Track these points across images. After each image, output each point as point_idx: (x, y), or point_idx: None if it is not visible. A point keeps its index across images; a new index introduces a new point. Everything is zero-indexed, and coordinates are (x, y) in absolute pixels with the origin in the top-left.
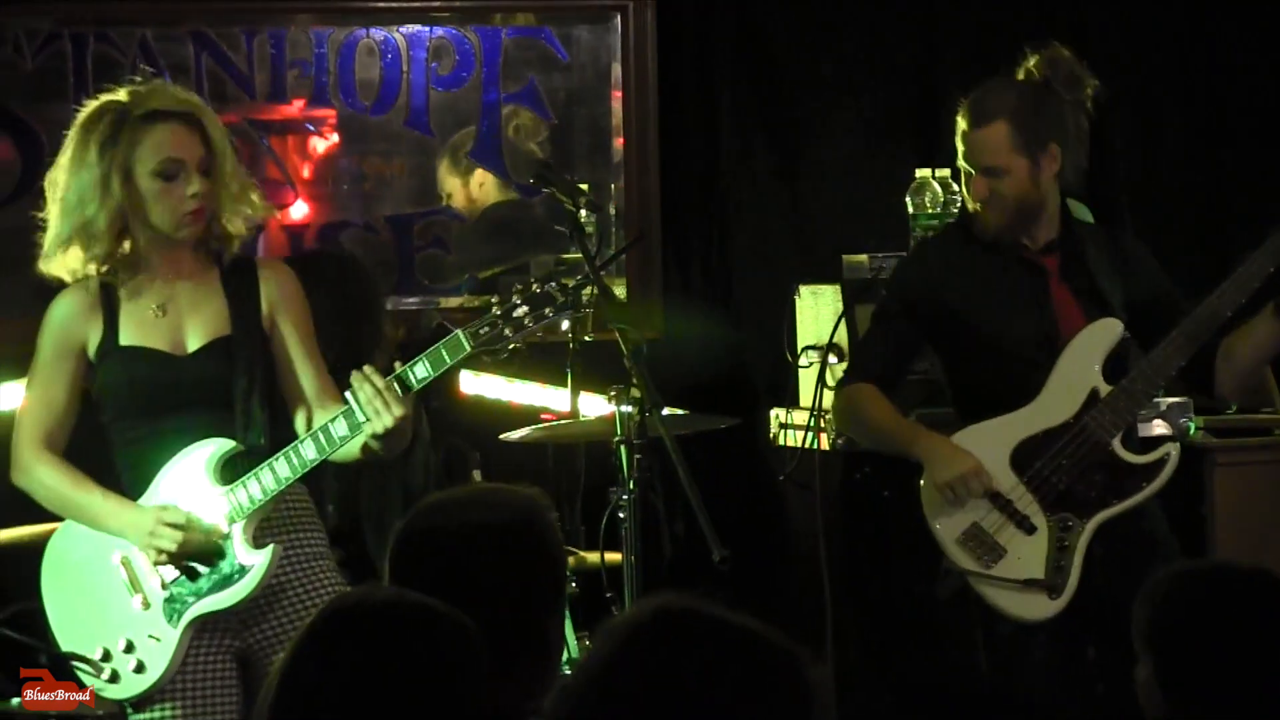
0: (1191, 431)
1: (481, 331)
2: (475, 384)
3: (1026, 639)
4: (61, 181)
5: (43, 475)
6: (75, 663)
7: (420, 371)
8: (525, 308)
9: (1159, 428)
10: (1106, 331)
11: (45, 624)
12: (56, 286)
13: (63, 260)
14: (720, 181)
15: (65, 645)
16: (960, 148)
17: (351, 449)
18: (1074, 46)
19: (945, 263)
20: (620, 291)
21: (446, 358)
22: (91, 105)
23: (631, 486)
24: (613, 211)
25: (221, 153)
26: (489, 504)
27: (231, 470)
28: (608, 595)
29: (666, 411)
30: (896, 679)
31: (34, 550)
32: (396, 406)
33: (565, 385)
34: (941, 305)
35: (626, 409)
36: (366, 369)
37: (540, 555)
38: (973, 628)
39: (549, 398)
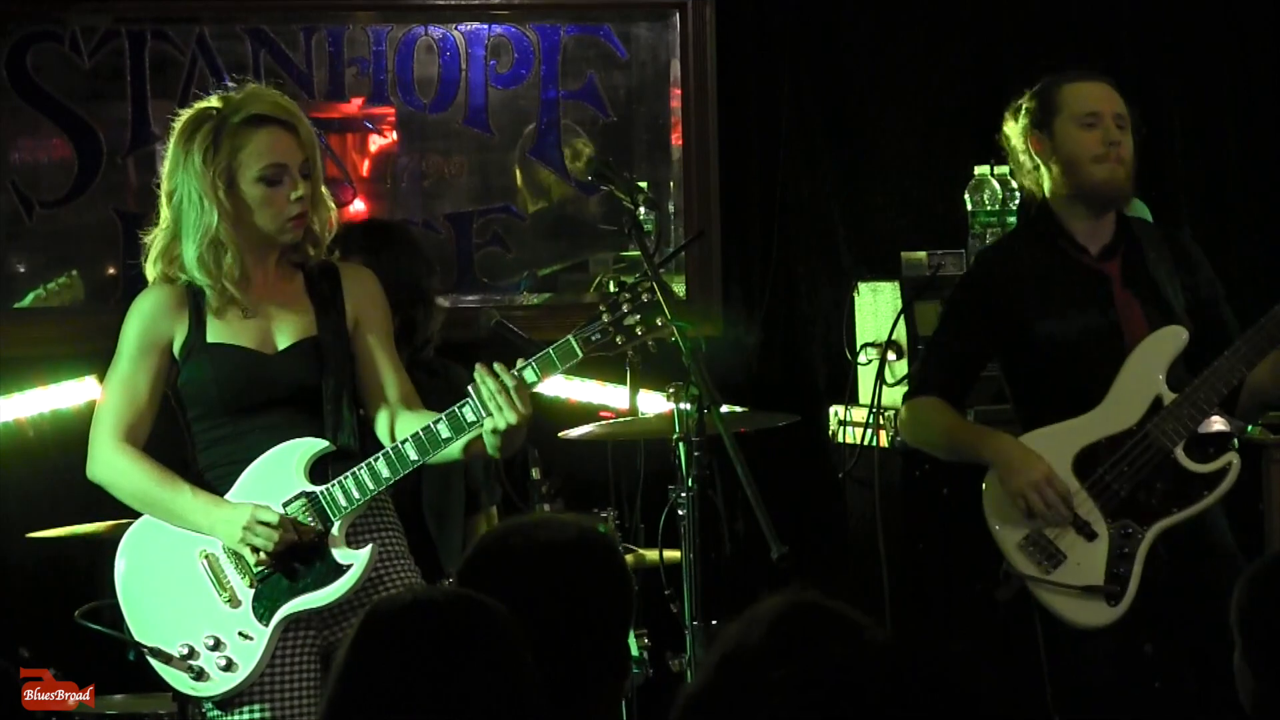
0: (1249, 428)
1: (593, 338)
2: (546, 379)
3: (1085, 641)
4: (171, 193)
5: (125, 469)
6: (159, 660)
7: (529, 376)
8: (637, 316)
9: (1218, 424)
10: (1171, 339)
11: (121, 620)
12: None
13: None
14: (779, 179)
15: (143, 640)
16: (1074, 99)
17: (453, 450)
18: (1134, 47)
19: (1007, 271)
20: (679, 289)
21: (557, 363)
22: (187, 113)
23: (690, 484)
24: (672, 209)
25: (316, 160)
26: (556, 525)
27: (321, 470)
28: (666, 592)
29: (725, 409)
30: None
31: (101, 545)
32: (522, 405)
33: (624, 383)
34: (1005, 314)
35: (685, 406)
36: (496, 365)
37: (608, 570)
38: (1032, 627)
39: (608, 395)
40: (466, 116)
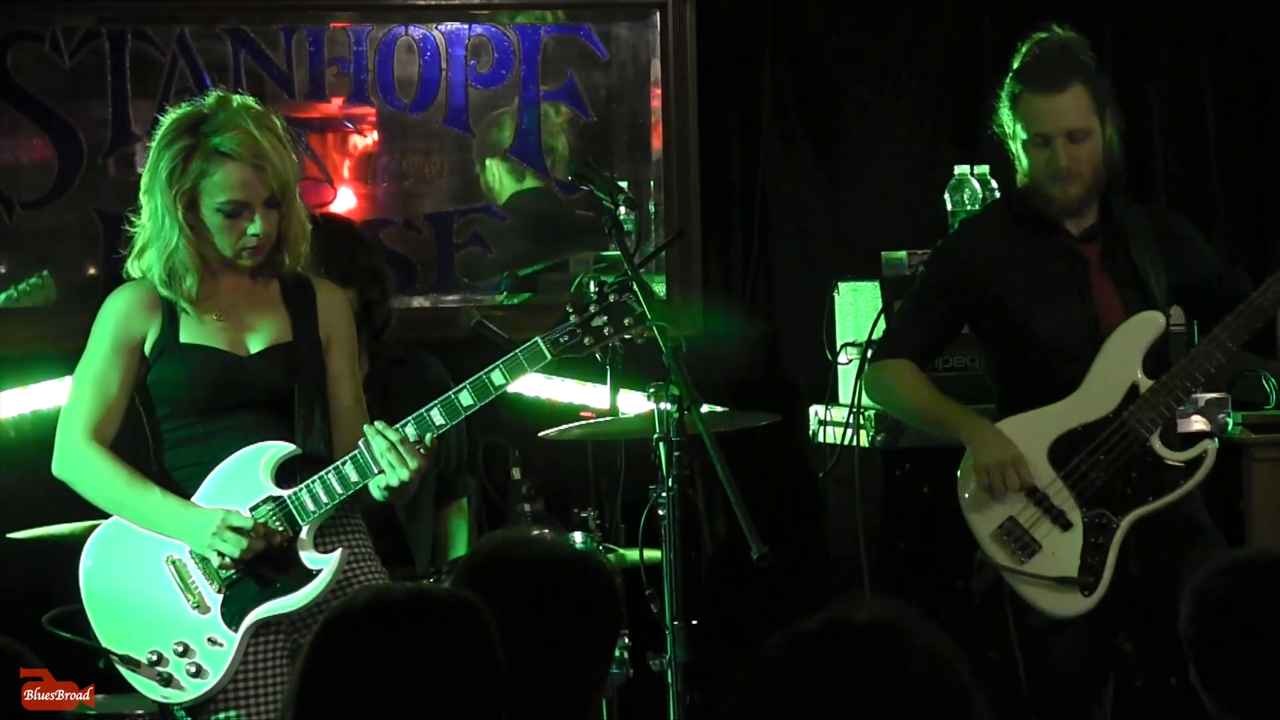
0: (1230, 427)
1: (561, 340)
2: (515, 381)
3: (1056, 631)
4: (145, 195)
5: (94, 468)
6: (127, 666)
7: (497, 378)
8: (604, 317)
9: (1197, 423)
10: (1147, 325)
11: (88, 625)
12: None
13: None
14: (760, 178)
15: (110, 647)
16: (1028, 117)
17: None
18: (1117, 43)
19: (985, 245)
20: (660, 289)
21: (525, 365)
22: (173, 116)
23: (671, 484)
24: (652, 209)
25: (287, 192)
26: (554, 543)
27: (288, 474)
28: (647, 593)
29: (706, 409)
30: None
31: (81, 546)
32: (413, 460)
33: (604, 383)
34: (980, 289)
35: (666, 406)
36: (379, 424)
37: (598, 594)
38: (1005, 621)
39: (588, 395)
40: (447, 116)
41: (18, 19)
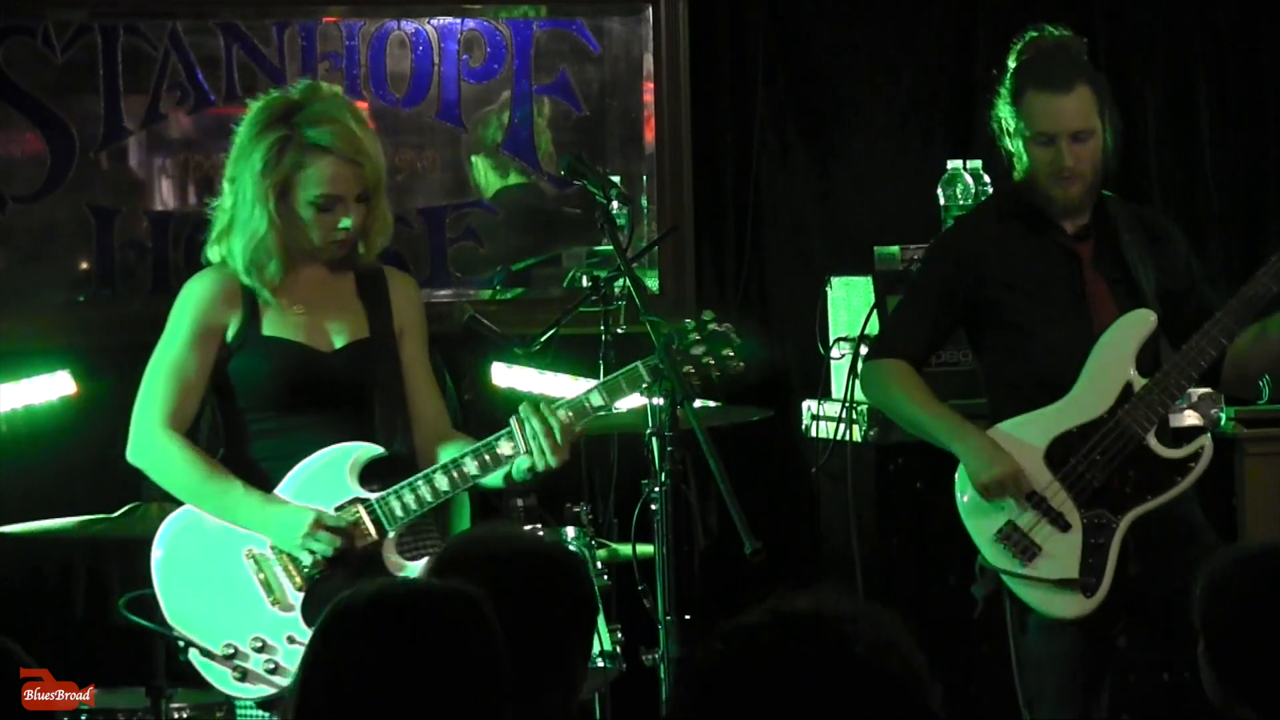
0: (1222, 422)
1: (659, 365)
2: (508, 376)
3: (1057, 632)
4: (233, 179)
5: (173, 457)
6: (204, 656)
7: (596, 400)
8: (704, 347)
9: (1190, 418)
10: (1140, 324)
11: (159, 613)
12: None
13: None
14: (753, 173)
15: (194, 638)
16: (1032, 115)
17: (495, 479)
18: (1110, 35)
19: (979, 243)
20: (653, 283)
21: (625, 388)
22: (265, 102)
23: (663, 479)
24: (645, 203)
25: (378, 187)
26: (528, 534)
27: (372, 475)
28: (639, 588)
29: (699, 403)
30: (928, 671)
31: (73, 543)
32: (567, 447)
33: (597, 377)
34: (974, 287)
35: (658, 401)
36: (542, 404)
37: (571, 583)
38: (1004, 619)
39: (580, 389)
40: (439, 111)
41: (10, 13)
